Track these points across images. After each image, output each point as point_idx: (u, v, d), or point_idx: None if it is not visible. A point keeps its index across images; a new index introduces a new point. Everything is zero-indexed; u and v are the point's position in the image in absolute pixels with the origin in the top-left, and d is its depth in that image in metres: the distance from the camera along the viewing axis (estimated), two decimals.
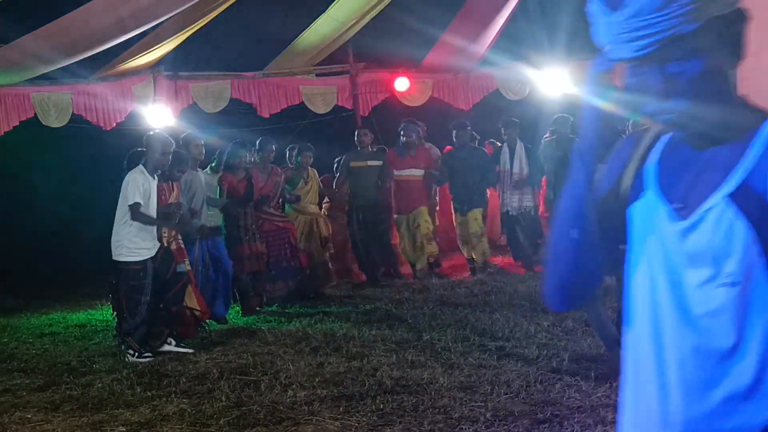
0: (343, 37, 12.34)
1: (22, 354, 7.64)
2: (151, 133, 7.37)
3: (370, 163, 10.46)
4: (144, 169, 7.04)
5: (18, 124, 10.44)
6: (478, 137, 11.56)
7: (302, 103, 12.61)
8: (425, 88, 13.32)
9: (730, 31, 1.52)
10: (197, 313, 7.64)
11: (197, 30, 10.50)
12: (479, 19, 12.19)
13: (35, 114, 10.49)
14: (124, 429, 5.23)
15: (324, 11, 11.44)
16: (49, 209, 12.40)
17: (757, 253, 1.45)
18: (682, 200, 1.54)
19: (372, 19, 11.89)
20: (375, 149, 10.79)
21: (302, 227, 9.86)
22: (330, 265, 10.31)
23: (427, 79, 13.33)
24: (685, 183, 1.55)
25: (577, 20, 12.24)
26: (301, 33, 11.96)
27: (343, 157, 10.65)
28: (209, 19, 10.17)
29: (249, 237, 8.89)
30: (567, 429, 4.66)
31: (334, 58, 13.01)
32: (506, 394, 5.39)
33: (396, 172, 10.46)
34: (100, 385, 6.27)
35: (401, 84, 13.00)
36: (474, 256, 10.63)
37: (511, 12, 12.14)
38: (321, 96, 12.84)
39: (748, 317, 1.47)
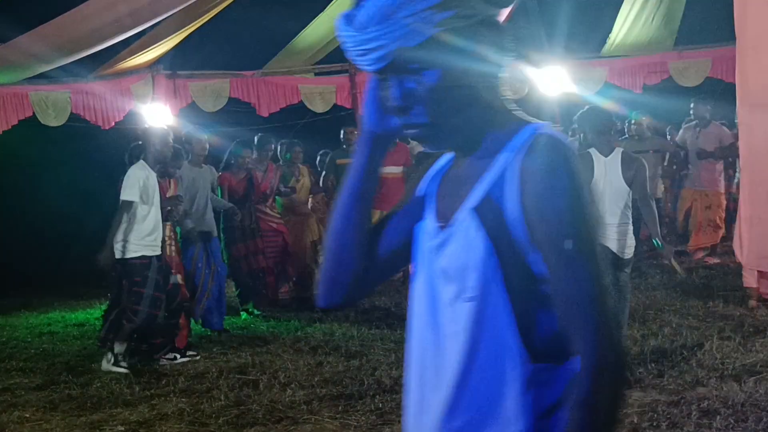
0: None
1: (21, 353, 7.63)
2: (149, 126, 7.19)
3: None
4: (145, 164, 6.75)
5: (16, 123, 10.41)
6: None
7: (301, 102, 12.60)
8: None
9: (472, 42, 1.47)
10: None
11: (196, 29, 10.48)
12: None
13: (33, 113, 10.47)
14: (122, 428, 5.22)
15: (322, 10, 11.44)
16: (48, 208, 12.38)
17: (493, 268, 1.42)
18: (444, 216, 1.53)
19: None
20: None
21: (294, 229, 9.68)
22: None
23: None
24: (449, 199, 1.54)
25: (576, 18, 12.25)
26: (300, 32, 11.95)
27: (329, 154, 10.54)
28: (208, 18, 10.15)
29: (247, 237, 8.81)
30: None
31: (333, 57, 13.00)
32: None
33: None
34: (98, 384, 6.27)
35: None
36: None
37: (510, 10, 12.12)
38: (320, 95, 12.82)
39: (481, 336, 1.43)
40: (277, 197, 9.47)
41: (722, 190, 10.38)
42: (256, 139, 9.37)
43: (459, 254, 1.46)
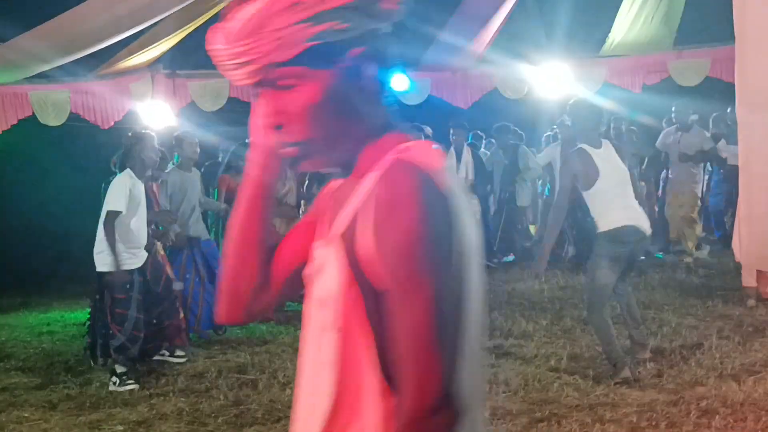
0: None
1: (20, 352, 7.63)
2: (134, 132, 6.86)
3: None
4: (132, 173, 6.39)
5: (16, 122, 10.41)
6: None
7: None
8: (423, 86, 13.32)
9: (348, 57, 1.40)
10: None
11: (195, 28, 10.48)
12: (477, 16, 12.19)
13: (33, 112, 10.47)
14: (121, 428, 5.22)
15: None
16: (47, 208, 12.38)
17: (354, 299, 1.34)
18: (324, 240, 1.46)
19: None
20: None
21: (283, 231, 9.53)
22: None
23: (425, 77, 13.32)
24: (329, 222, 1.47)
25: (575, 18, 12.26)
26: None
27: None
28: (208, 17, 10.14)
29: None
30: (565, 428, 4.65)
31: None
32: (504, 392, 5.39)
33: None
34: (98, 383, 6.27)
35: (399, 82, 12.98)
36: None
37: (510, 10, 12.13)
38: None
39: (345, 369, 1.36)
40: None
41: (699, 194, 10.59)
42: (175, 135, 8.70)
43: (326, 282, 1.39)
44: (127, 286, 6.27)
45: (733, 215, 10.51)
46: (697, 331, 6.71)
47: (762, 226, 7.37)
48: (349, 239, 1.35)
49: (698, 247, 10.50)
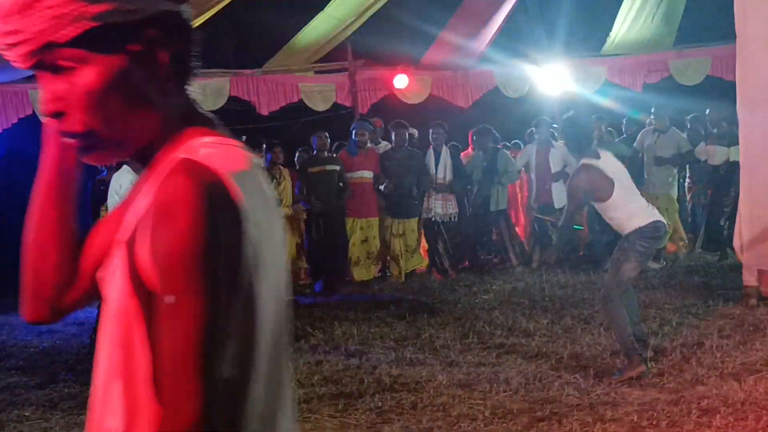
0: (341, 35, 12.33)
1: (21, 352, 7.63)
2: None
3: (328, 167, 9.92)
4: (129, 168, 6.27)
5: (16, 121, 10.43)
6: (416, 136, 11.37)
7: (301, 100, 12.60)
8: (424, 85, 13.31)
9: (135, 41, 1.26)
10: None
11: (196, 27, 10.47)
12: (478, 16, 12.19)
13: (33, 111, 10.48)
14: None
15: (322, 9, 11.44)
16: None
17: (135, 312, 1.21)
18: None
19: (371, 16, 11.88)
20: (333, 153, 10.27)
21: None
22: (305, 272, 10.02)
23: (426, 76, 13.32)
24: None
25: (576, 17, 12.26)
26: (299, 31, 11.95)
27: (301, 159, 10.21)
28: (208, 17, 10.15)
29: None
30: (566, 427, 4.65)
31: (333, 56, 13.00)
32: (505, 391, 5.38)
33: (347, 174, 10.01)
34: None
35: (400, 81, 12.98)
36: (394, 271, 10.32)
37: (510, 9, 12.14)
38: (320, 93, 12.82)
39: (128, 387, 1.23)
40: None
41: (675, 194, 10.72)
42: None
43: (111, 291, 1.27)
44: None
45: (714, 215, 10.66)
46: (697, 331, 6.71)
47: (762, 225, 7.38)
48: (131, 246, 1.22)
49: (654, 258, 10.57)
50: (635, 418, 4.71)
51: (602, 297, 5.88)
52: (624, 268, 5.67)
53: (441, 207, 10.47)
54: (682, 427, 4.55)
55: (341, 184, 9.94)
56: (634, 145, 10.82)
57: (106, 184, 8.78)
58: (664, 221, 5.96)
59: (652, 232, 5.69)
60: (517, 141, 12.37)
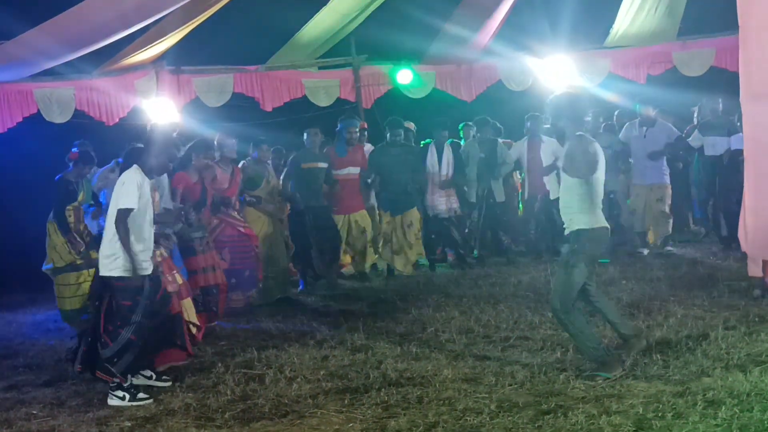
0: (345, 30, 12.33)
1: (28, 350, 7.66)
2: (155, 125, 6.40)
3: (320, 164, 9.85)
4: (139, 169, 5.88)
5: (21, 120, 10.45)
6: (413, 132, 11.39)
7: (305, 96, 12.61)
8: (428, 79, 13.32)
9: None
10: (194, 330, 6.84)
11: (200, 24, 10.48)
12: (481, 10, 12.18)
13: (38, 110, 10.50)
14: (129, 424, 5.24)
15: (326, 4, 11.43)
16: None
17: None
18: None
19: (374, 11, 11.88)
20: (325, 150, 10.14)
21: (263, 230, 9.02)
22: (292, 268, 9.95)
23: (429, 70, 13.32)
24: None
25: (579, 9, 12.23)
26: (303, 26, 11.95)
27: (291, 154, 10.12)
28: (211, 13, 10.15)
29: (203, 247, 7.80)
30: (571, 419, 4.66)
31: (337, 52, 13.00)
32: (510, 385, 5.39)
33: (335, 171, 10.00)
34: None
35: (404, 76, 12.99)
36: (397, 265, 10.39)
37: (514, 2, 12.12)
38: (323, 89, 12.84)
39: None
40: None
41: (668, 182, 10.71)
42: (216, 137, 8.61)
43: None
44: (138, 291, 5.81)
45: (715, 205, 10.69)
46: (702, 322, 6.70)
47: (767, 216, 7.36)
48: None
49: (665, 243, 10.71)
50: (641, 411, 4.72)
51: (557, 309, 5.61)
52: (576, 272, 5.53)
53: (444, 203, 10.55)
54: (688, 419, 4.55)
55: (328, 182, 9.94)
56: (620, 136, 10.85)
57: (72, 183, 8.75)
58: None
59: (602, 236, 5.61)
60: (508, 140, 12.31)
